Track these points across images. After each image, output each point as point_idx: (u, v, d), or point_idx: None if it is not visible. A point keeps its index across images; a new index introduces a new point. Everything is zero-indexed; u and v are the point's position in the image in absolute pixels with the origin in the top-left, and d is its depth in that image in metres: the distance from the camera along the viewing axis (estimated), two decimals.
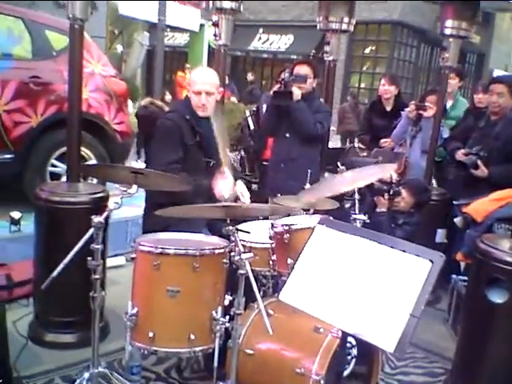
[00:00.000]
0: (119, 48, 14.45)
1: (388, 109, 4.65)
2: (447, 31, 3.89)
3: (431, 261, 1.73)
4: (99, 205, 2.65)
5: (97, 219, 1.93)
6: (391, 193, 3.42)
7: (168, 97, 8.92)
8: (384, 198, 3.42)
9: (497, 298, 2.50)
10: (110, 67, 4.89)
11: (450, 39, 3.94)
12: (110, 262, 3.51)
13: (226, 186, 2.50)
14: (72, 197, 2.71)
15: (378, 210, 3.45)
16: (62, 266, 1.91)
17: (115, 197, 2.05)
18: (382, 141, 4.56)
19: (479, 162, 3.57)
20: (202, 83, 2.74)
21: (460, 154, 3.72)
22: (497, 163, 3.55)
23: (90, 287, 2.06)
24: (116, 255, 3.88)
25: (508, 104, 3.67)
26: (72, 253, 1.90)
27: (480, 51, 21.46)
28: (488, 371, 2.56)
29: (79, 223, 2.46)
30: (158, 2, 8.92)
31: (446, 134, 4.31)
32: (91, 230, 1.94)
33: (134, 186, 2.03)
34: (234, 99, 11.22)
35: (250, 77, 12.94)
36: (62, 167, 4.29)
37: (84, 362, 2.51)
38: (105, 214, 1.98)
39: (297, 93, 3.57)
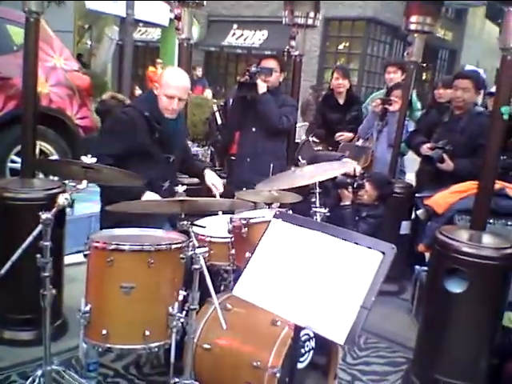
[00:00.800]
0: (89, 42, 14.22)
1: (341, 102, 4.67)
2: (412, 26, 3.93)
3: (383, 252, 1.72)
4: (54, 201, 2.58)
5: (45, 215, 1.89)
6: (355, 186, 3.45)
7: (138, 91, 8.81)
8: (348, 190, 3.45)
9: (455, 288, 2.54)
10: (72, 61, 4.81)
11: (415, 34, 3.98)
12: (71, 258, 3.45)
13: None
14: (25, 193, 2.65)
15: (342, 203, 3.48)
16: (9, 263, 1.86)
17: (65, 193, 2.00)
18: (337, 134, 4.58)
19: (445, 156, 3.60)
20: (176, 88, 2.66)
21: (425, 148, 3.75)
22: (462, 157, 3.58)
23: None
24: (78, 252, 3.80)
25: (472, 99, 3.71)
26: (19, 250, 1.85)
27: (452, 47, 21.82)
28: (447, 360, 2.61)
29: (33, 220, 2.38)
30: None
31: (411, 127, 4.35)
32: (39, 227, 1.89)
33: (84, 182, 1.99)
34: (209, 93, 11.15)
35: (199, 71, 12.89)
36: None
37: (41, 359, 2.44)
38: (53, 210, 1.93)
39: (261, 85, 3.57)
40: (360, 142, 4.64)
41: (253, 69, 3.65)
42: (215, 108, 5.53)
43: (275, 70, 3.69)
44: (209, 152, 5.82)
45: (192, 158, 3.25)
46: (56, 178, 3.73)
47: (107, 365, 2.60)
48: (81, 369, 2.34)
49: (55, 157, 4.46)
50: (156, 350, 2.15)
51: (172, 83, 2.67)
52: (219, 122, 5.31)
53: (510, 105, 2.56)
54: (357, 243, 1.74)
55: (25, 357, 2.64)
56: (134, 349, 2.11)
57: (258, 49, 18.08)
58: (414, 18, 3.89)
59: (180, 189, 2.03)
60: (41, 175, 3.08)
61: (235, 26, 19.20)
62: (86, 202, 4.06)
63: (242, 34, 19.05)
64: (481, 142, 3.29)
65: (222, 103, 5.58)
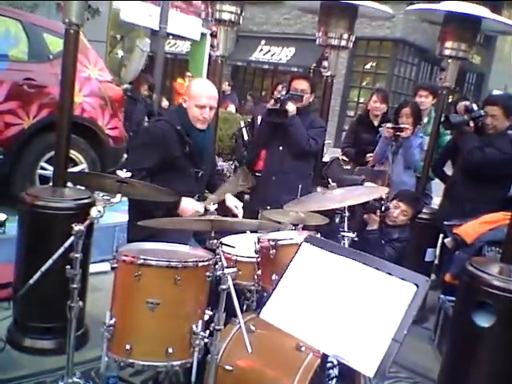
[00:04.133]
0: (120, 53, 14.47)
1: (375, 123, 4.64)
2: (446, 52, 3.89)
3: (416, 285, 1.68)
4: (84, 211, 2.60)
5: (77, 227, 1.89)
6: (383, 209, 3.40)
7: (165, 103, 8.91)
8: (376, 215, 3.39)
9: (483, 321, 2.46)
10: (106, 72, 4.88)
11: (449, 60, 3.94)
12: (94, 267, 3.45)
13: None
14: (56, 202, 2.67)
15: (368, 227, 3.42)
16: (39, 273, 1.87)
17: (98, 205, 2.01)
18: (369, 155, 4.52)
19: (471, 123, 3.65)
20: (207, 97, 2.70)
21: (461, 107, 3.82)
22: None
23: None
24: (102, 261, 3.82)
25: (503, 125, 3.68)
26: (50, 261, 1.86)
27: (480, 71, 21.64)
28: None
29: (62, 229, 2.41)
30: (160, 10, 8.94)
31: (426, 145, 4.26)
32: (71, 239, 1.90)
33: (118, 195, 2.00)
34: (232, 108, 11.20)
35: (225, 86, 12.93)
36: (51, 170, 4.22)
37: (61, 369, 2.45)
38: (86, 222, 1.94)
39: (292, 109, 3.55)
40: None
41: (282, 96, 3.64)
42: (242, 124, 5.54)
43: (306, 91, 3.67)
44: (233, 167, 5.81)
45: (215, 175, 3.23)
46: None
47: (126, 379, 2.58)
48: (100, 382, 2.32)
49: (84, 165, 4.51)
50: (177, 368, 2.13)
51: (203, 93, 2.72)
52: (245, 137, 5.31)
53: None
54: (390, 274, 1.71)
55: (45, 366, 2.63)
56: (157, 366, 2.09)
57: (285, 65, 18.17)
58: (448, 44, 3.85)
59: (212, 207, 2.02)
60: (69, 184, 3.11)
61: (263, 41, 19.35)
62: (111, 212, 4.09)
63: (270, 50, 19.18)
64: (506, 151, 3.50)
65: (250, 119, 5.58)
